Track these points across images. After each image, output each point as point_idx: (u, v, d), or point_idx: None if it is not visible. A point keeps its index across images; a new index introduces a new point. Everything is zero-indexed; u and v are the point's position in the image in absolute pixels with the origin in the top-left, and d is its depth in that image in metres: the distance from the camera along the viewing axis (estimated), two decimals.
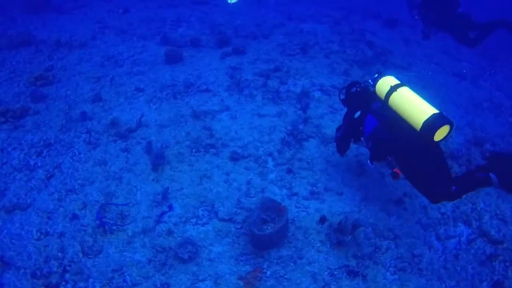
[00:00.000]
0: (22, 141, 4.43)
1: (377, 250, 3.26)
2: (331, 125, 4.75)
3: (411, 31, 8.75)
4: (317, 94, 5.50)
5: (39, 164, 4.11)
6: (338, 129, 3.79)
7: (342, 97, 3.74)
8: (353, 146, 4.40)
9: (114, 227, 3.33)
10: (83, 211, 3.53)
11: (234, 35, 7.50)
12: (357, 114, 3.39)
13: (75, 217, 3.46)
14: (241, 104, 5.18)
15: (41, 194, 3.72)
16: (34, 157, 4.21)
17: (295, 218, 3.50)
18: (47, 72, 5.79)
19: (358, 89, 3.50)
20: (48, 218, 3.47)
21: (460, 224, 3.59)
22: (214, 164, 4.10)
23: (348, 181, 3.93)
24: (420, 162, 2.87)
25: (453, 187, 2.78)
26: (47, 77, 5.63)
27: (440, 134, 2.74)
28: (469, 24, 5.39)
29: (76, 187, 3.80)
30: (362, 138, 3.43)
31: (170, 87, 5.56)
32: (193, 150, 4.30)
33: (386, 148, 3.09)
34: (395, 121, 3.00)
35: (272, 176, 4.01)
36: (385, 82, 3.14)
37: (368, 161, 3.31)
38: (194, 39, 7.01)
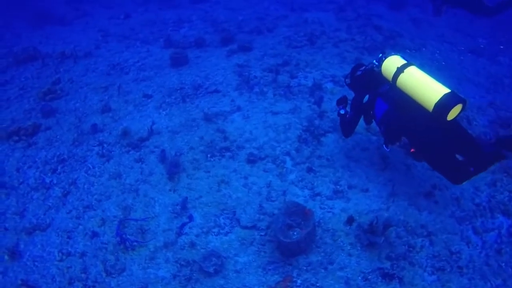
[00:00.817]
0: (37, 159, 4.32)
1: (411, 249, 3.02)
2: None
3: (419, 10, 8.28)
4: (329, 85, 5.20)
5: (54, 182, 3.98)
6: (339, 102, 3.61)
7: (348, 81, 3.61)
8: (373, 138, 4.17)
9: (135, 243, 3.17)
10: (102, 228, 3.39)
11: (238, 31, 7.21)
12: (366, 98, 3.25)
13: (95, 234, 3.32)
14: (252, 102, 4.94)
15: (59, 213, 3.60)
16: (49, 174, 4.09)
17: (320, 220, 3.28)
18: (54, 86, 5.65)
19: (363, 71, 3.36)
20: (68, 237, 3.34)
21: (498, 215, 3.30)
22: (231, 169, 3.90)
23: (372, 176, 3.67)
24: (435, 143, 2.78)
25: (471, 168, 2.73)
26: (55, 91, 5.50)
27: (453, 113, 2.65)
28: None
29: (93, 203, 3.66)
30: (374, 121, 3.33)
31: (178, 91, 5.36)
32: (208, 155, 4.10)
33: (399, 131, 3.01)
34: (405, 103, 2.88)
35: (292, 176, 3.79)
36: (391, 63, 2.98)
37: (384, 146, 3.21)
38: (198, 39, 6.76)
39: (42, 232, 3.40)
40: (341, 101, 3.61)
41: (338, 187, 3.60)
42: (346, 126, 3.53)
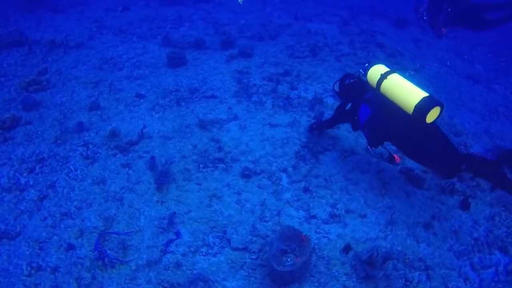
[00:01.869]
0: (12, 156, 3.95)
1: (407, 283, 2.86)
2: (348, 136, 4.32)
3: (421, 32, 8.27)
4: (330, 100, 5.04)
5: (30, 183, 3.64)
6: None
7: (336, 89, 3.78)
8: (373, 161, 4.02)
9: (115, 261, 2.89)
10: (79, 240, 3.08)
11: (239, 36, 6.98)
12: (348, 106, 3.50)
13: (70, 247, 3.01)
14: (250, 112, 4.72)
15: (33, 219, 3.26)
16: (25, 174, 3.74)
17: (315, 246, 3.09)
18: (40, 76, 5.27)
19: (352, 80, 3.56)
20: (40, 248, 3.02)
21: (495, 251, 3.19)
22: (225, 182, 3.66)
23: (370, 201, 3.51)
24: (418, 142, 2.96)
25: (463, 165, 2.86)
26: (41, 82, 5.12)
27: (432, 115, 2.80)
28: (483, 7, 5.06)
29: (72, 211, 3.34)
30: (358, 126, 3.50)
31: (174, 93, 5.08)
32: (201, 166, 3.85)
33: (382, 134, 3.18)
34: (388, 107, 3.07)
35: (287, 195, 3.58)
36: (376, 71, 3.17)
37: (368, 147, 3.35)
38: (197, 40, 6.49)
39: (10, 241, 3.06)
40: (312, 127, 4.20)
41: (335, 210, 3.42)
42: (325, 125, 4.05)
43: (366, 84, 3.33)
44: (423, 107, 2.75)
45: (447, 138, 3.05)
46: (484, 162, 2.94)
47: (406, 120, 2.91)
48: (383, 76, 3.06)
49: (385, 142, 3.26)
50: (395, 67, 4.24)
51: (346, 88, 3.66)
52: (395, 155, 3.24)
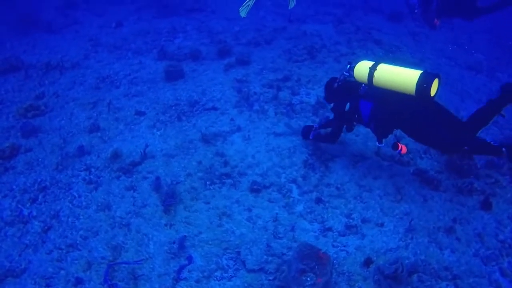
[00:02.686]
0: (14, 186, 3.78)
1: None
2: (356, 140, 4.12)
3: (417, 25, 8.07)
4: None
5: (34, 214, 3.46)
6: (305, 133, 3.97)
7: (328, 99, 3.73)
8: (385, 165, 3.83)
9: None
10: (88, 273, 2.89)
11: (235, 43, 6.79)
12: (347, 106, 3.36)
13: (79, 281, 2.83)
14: (253, 122, 4.53)
15: (38, 254, 3.08)
16: (28, 205, 3.56)
17: (334, 261, 2.89)
18: (38, 101, 5.11)
19: (339, 83, 3.48)
20: (47, 285, 2.84)
21: None
22: (234, 199, 3.47)
23: (387, 208, 3.31)
24: (426, 123, 2.92)
25: (466, 147, 2.82)
26: (38, 107, 4.95)
27: (434, 89, 2.80)
28: None
29: (78, 241, 3.16)
30: (357, 124, 3.46)
31: (173, 108, 4.90)
32: (208, 183, 3.66)
33: (390, 123, 3.13)
34: (387, 97, 3.04)
35: (299, 208, 3.39)
36: (362, 67, 3.14)
37: (377, 143, 3.28)
38: (193, 51, 6.31)
39: (15, 279, 2.88)
40: (308, 128, 3.94)
41: (351, 220, 3.22)
42: (330, 138, 3.71)
43: (355, 83, 3.30)
44: (424, 82, 2.74)
45: (452, 115, 3.00)
46: (487, 146, 2.83)
47: (410, 102, 2.90)
48: (372, 69, 3.03)
49: (394, 131, 3.19)
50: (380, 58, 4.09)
51: (336, 92, 3.53)
52: (400, 145, 3.08)
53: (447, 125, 2.93)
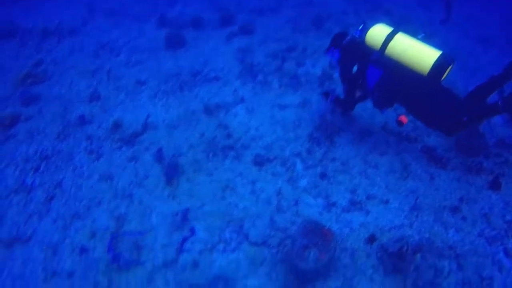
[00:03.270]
0: (16, 155, 3.66)
1: (438, 274, 2.61)
2: (362, 115, 3.92)
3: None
4: None
5: (37, 183, 3.37)
6: (325, 94, 3.59)
7: (333, 50, 3.32)
8: (391, 140, 3.66)
9: (131, 263, 2.66)
10: (92, 242, 2.85)
11: (238, 11, 6.34)
12: (355, 68, 3.11)
13: (83, 250, 2.79)
14: (257, 94, 4.30)
15: (43, 222, 3.02)
16: (31, 174, 3.46)
17: (338, 237, 2.83)
18: (36, 68, 4.85)
19: (347, 41, 3.19)
20: (54, 253, 2.80)
21: None
22: (237, 172, 3.35)
23: (392, 185, 3.19)
24: (429, 103, 2.80)
25: (464, 118, 2.71)
26: (37, 74, 4.70)
27: (446, 73, 2.69)
28: None
29: (81, 211, 3.09)
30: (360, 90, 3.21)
31: (175, 77, 4.65)
32: (210, 155, 3.53)
33: (394, 95, 2.96)
34: (398, 69, 2.83)
35: (303, 182, 3.28)
36: (378, 31, 2.89)
37: (377, 108, 3.12)
38: (195, 18, 5.90)
39: (23, 245, 2.84)
40: (326, 94, 3.57)
41: (356, 197, 3.12)
42: (345, 104, 3.43)
43: (363, 46, 2.99)
44: (440, 66, 2.60)
45: (452, 93, 2.83)
46: (484, 108, 2.73)
47: (418, 79, 2.74)
48: (389, 37, 2.80)
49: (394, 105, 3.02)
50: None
51: (346, 49, 3.19)
52: (401, 118, 2.90)
53: (447, 105, 2.78)
